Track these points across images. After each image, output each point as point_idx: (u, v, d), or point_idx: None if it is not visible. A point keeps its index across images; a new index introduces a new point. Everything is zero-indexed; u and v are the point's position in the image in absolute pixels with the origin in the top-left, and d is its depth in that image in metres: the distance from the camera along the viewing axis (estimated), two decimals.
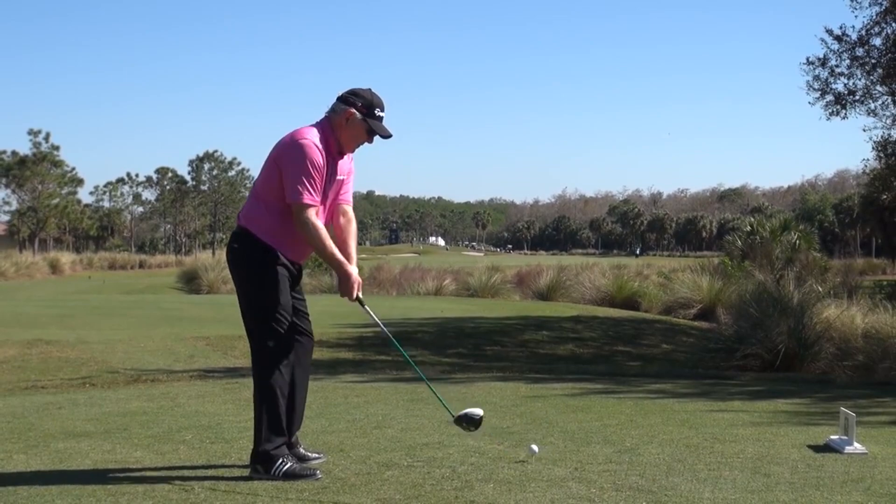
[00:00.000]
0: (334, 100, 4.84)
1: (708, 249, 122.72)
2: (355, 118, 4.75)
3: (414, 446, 5.38)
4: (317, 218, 4.68)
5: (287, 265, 4.79)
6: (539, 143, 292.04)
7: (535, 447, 5.01)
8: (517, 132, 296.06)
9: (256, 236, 4.72)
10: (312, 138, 4.66)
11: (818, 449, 5.50)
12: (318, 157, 4.63)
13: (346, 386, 8.49)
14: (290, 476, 4.54)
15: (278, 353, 4.68)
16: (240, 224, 4.82)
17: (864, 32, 20.41)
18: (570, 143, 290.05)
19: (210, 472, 4.67)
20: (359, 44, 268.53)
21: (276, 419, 4.64)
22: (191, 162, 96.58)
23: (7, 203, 78.97)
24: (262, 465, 4.60)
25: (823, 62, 20.91)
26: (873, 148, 21.78)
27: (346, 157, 4.89)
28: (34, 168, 75.24)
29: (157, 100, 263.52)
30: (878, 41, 20.48)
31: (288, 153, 4.65)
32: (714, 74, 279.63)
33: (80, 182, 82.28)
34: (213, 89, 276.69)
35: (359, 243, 5.51)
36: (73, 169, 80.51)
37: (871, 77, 20.69)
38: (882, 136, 21.35)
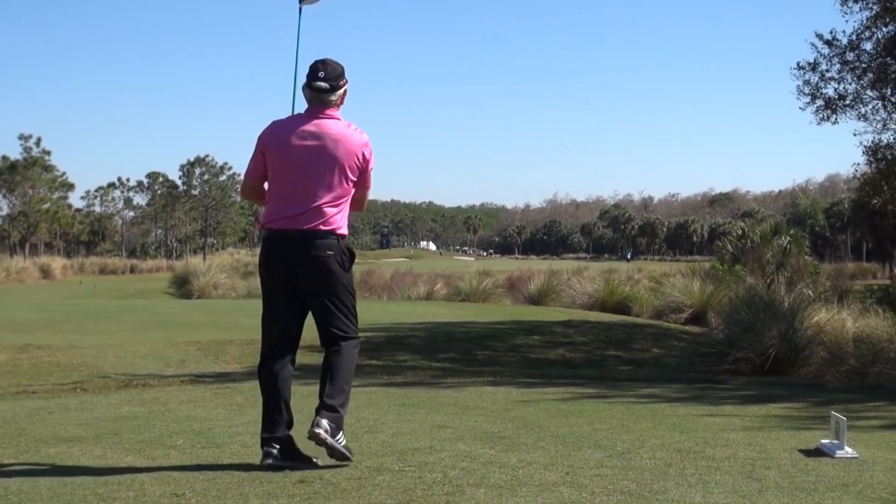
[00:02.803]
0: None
1: (699, 254, 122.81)
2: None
3: (405, 451, 5.38)
4: None
5: None
6: (530, 147, 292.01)
7: None
8: (508, 136, 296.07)
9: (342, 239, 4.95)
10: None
11: (809, 453, 5.50)
12: None
13: None
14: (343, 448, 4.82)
15: None
16: (327, 229, 4.83)
17: (854, 37, 20.42)
18: (560, 147, 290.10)
19: (201, 477, 4.65)
20: (351, 47, 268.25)
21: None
22: (182, 167, 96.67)
23: None
24: (339, 426, 4.82)
25: (814, 67, 20.92)
26: (864, 152, 21.77)
27: None
28: (25, 173, 75.16)
29: (148, 104, 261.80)
30: (868, 45, 20.48)
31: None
32: (705, 78, 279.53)
33: (70, 187, 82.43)
34: (204, 94, 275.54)
35: None
36: (64, 174, 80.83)
37: (862, 81, 20.70)
38: (872, 141, 21.33)
